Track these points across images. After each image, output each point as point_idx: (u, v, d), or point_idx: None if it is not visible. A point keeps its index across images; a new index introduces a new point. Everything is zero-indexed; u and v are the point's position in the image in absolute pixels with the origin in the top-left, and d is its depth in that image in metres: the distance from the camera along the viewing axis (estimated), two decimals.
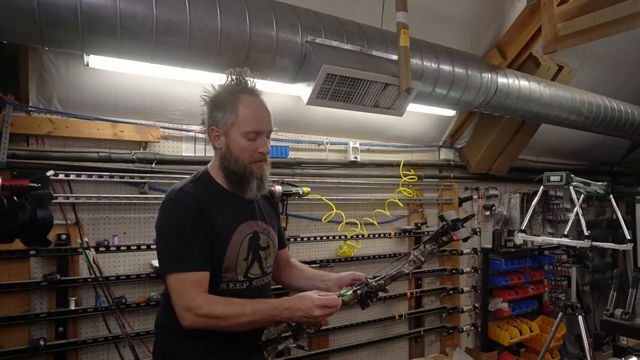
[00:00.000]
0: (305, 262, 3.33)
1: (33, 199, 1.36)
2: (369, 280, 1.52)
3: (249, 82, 1.58)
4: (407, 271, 1.52)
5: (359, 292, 1.48)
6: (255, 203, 1.64)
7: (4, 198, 1.32)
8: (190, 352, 1.50)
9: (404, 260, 1.53)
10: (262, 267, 1.61)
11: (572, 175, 3.29)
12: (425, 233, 4.14)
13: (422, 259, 1.53)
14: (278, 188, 3.11)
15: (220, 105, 1.54)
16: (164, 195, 2.84)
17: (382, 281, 1.50)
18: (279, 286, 2.89)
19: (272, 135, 3.34)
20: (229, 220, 1.54)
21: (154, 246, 2.74)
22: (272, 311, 1.42)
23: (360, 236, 3.66)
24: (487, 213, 4.70)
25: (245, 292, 1.55)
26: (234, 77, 1.57)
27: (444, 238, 1.53)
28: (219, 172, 1.58)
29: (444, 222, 1.54)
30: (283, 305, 1.43)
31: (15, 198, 1.35)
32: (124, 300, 2.68)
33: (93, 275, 2.59)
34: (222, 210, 1.53)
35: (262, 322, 1.44)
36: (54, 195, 2.52)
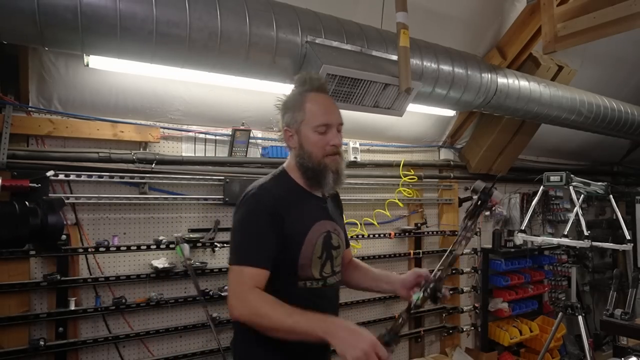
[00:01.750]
0: None
1: (45, 204, 1.36)
2: (430, 276, 1.53)
3: (314, 81, 1.62)
4: (460, 252, 1.53)
5: (428, 291, 1.48)
6: (326, 203, 1.68)
7: (16, 203, 1.32)
8: (268, 350, 1.48)
9: (455, 244, 1.53)
10: (333, 266, 1.62)
11: (572, 175, 3.29)
12: (425, 233, 4.14)
13: (469, 235, 1.54)
14: None
15: (289, 106, 1.60)
16: (163, 196, 2.88)
17: (441, 271, 1.50)
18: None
19: (272, 135, 3.39)
20: (305, 218, 1.57)
21: (154, 246, 2.75)
22: (311, 333, 1.32)
23: (360, 236, 3.66)
24: (487, 213, 4.69)
25: (322, 291, 1.57)
26: (299, 79, 1.64)
27: (484, 208, 1.55)
28: (295, 171, 1.62)
29: (479, 194, 1.56)
30: (331, 331, 1.31)
31: (27, 203, 1.34)
32: (124, 301, 2.69)
33: (93, 276, 2.59)
34: (298, 209, 1.56)
35: (301, 337, 1.34)
36: (53, 195, 2.52)
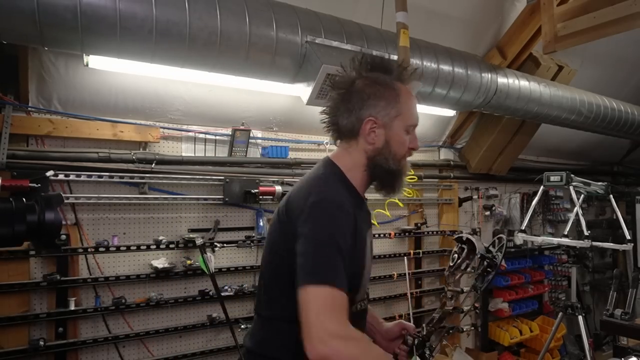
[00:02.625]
0: None
1: (42, 201, 1.34)
2: (414, 330, 1.42)
3: (409, 70, 1.37)
4: (450, 308, 1.43)
5: (419, 350, 1.36)
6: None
7: (12, 199, 1.30)
8: None
9: (444, 298, 1.43)
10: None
11: (572, 175, 3.28)
12: (425, 233, 4.14)
13: (458, 289, 1.45)
14: (278, 188, 3.11)
15: (381, 95, 1.32)
16: (163, 196, 2.88)
17: (433, 328, 1.41)
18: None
19: (272, 135, 3.39)
20: (365, 231, 1.34)
21: (154, 246, 2.75)
22: None
23: None
24: (487, 213, 4.70)
25: (363, 313, 1.39)
26: (394, 62, 1.39)
27: (491, 269, 1.43)
28: (357, 173, 1.36)
29: (485, 256, 1.44)
30: None
31: (24, 199, 1.32)
32: (123, 301, 2.68)
33: (93, 276, 2.59)
34: (362, 221, 1.31)
35: None
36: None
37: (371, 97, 1.31)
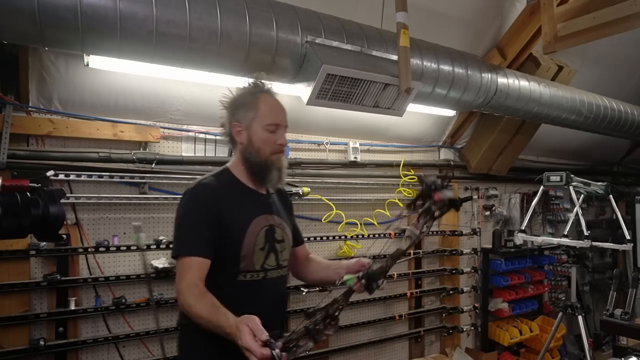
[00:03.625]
0: None
1: (46, 195, 1.37)
2: (371, 264, 1.55)
3: (266, 84, 1.74)
4: (404, 248, 1.45)
5: (363, 276, 1.44)
6: (271, 199, 1.75)
7: (18, 194, 1.34)
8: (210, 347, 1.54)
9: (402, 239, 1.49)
10: (278, 259, 1.68)
11: (572, 175, 3.29)
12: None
13: (417, 232, 1.45)
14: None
15: (241, 104, 1.68)
16: (164, 196, 2.88)
17: (384, 263, 1.46)
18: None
19: None
20: (247, 211, 1.64)
21: (154, 246, 2.76)
22: (221, 328, 1.35)
23: (360, 236, 3.66)
24: (487, 213, 4.70)
25: (262, 283, 1.63)
26: (252, 81, 1.73)
27: (426, 203, 1.40)
28: (239, 168, 1.69)
29: (422, 185, 1.43)
30: (229, 328, 1.33)
31: (28, 194, 1.36)
32: (124, 301, 2.68)
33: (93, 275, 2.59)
34: (240, 203, 1.64)
35: (212, 330, 1.39)
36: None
37: (235, 107, 1.69)
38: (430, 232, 4.20)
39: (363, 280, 1.44)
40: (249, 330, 1.25)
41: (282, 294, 1.79)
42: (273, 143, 1.66)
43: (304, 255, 1.94)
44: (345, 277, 1.47)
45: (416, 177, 3.94)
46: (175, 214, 1.63)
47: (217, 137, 3.11)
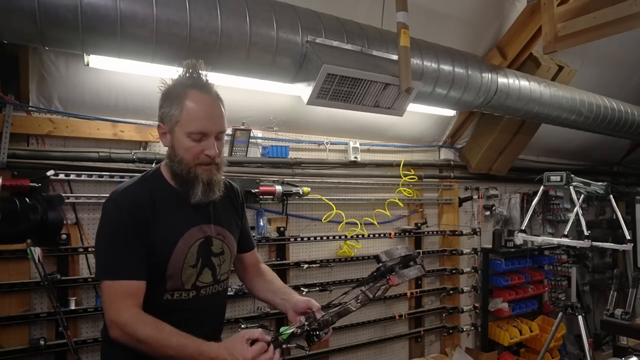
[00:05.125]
0: (305, 262, 3.36)
1: (44, 201, 1.37)
2: (319, 312, 1.42)
3: (200, 76, 1.44)
4: (354, 308, 1.39)
5: (302, 329, 1.34)
6: (210, 205, 1.50)
7: (17, 199, 1.33)
8: None
9: (352, 297, 1.40)
10: (215, 274, 1.51)
11: (572, 175, 3.29)
12: (425, 233, 4.14)
13: (370, 296, 1.40)
14: (278, 188, 3.11)
15: (168, 99, 1.42)
16: None
17: (329, 317, 1.37)
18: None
19: (272, 135, 3.39)
20: (176, 224, 1.43)
21: None
22: (198, 355, 1.27)
23: (360, 236, 3.66)
24: (487, 213, 4.70)
25: (192, 302, 1.46)
26: (185, 69, 1.44)
27: (379, 284, 1.39)
28: (169, 171, 1.47)
29: (380, 264, 1.39)
30: (210, 353, 1.28)
31: (27, 199, 1.35)
32: None
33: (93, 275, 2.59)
34: (169, 214, 1.42)
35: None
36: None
37: (161, 102, 1.43)
38: (431, 232, 4.20)
39: (300, 332, 1.34)
40: (247, 345, 1.24)
41: (218, 311, 1.61)
42: (199, 153, 1.39)
43: (252, 264, 1.75)
44: (282, 329, 1.34)
45: (416, 177, 3.94)
46: (96, 231, 1.41)
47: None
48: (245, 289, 3.03)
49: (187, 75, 1.44)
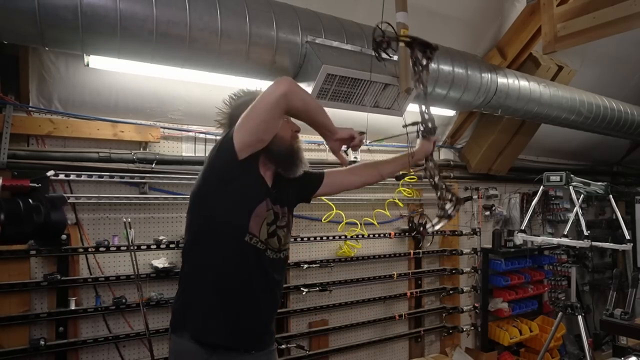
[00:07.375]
0: (305, 262, 3.36)
1: (47, 202, 1.38)
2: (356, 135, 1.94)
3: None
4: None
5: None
6: (276, 190, 1.71)
7: (20, 200, 1.34)
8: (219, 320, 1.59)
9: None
10: (280, 243, 1.68)
11: (572, 175, 3.29)
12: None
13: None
14: None
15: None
16: (164, 196, 2.88)
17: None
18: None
19: None
20: (260, 191, 1.63)
21: (154, 246, 2.76)
22: (329, 121, 1.80)
23: (360, 236, 3.66)
24: (487, 213, 4.70)
25: (262, 252, 1.60)
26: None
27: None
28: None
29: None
30: (332, 126, 1.83)
31: (30, 200, 1.36)
32: (124, 301, 2.69)
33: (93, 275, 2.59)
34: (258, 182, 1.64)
35: (321, 116, 1.74)
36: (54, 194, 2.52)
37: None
38: (431, 233, 4.20)
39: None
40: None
41: (280, 278, 1.74)
42: (290, 130, 1.82)
43: (342, 174, 2.15)
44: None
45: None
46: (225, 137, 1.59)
47: (217, 137, 3.10)
48: None
49: (255, 90, 1.79)
